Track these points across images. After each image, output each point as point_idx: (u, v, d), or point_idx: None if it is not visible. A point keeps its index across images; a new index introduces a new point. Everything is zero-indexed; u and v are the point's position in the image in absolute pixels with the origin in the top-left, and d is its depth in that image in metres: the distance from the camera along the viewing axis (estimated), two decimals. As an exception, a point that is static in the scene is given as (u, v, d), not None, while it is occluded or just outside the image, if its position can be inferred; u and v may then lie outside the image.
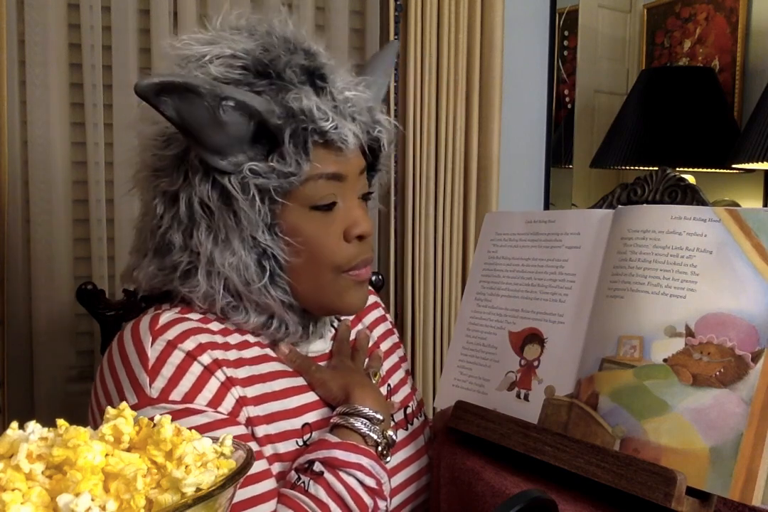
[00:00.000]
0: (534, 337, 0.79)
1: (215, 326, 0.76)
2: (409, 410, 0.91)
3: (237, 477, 0.45)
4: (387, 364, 0.92)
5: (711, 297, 0.65)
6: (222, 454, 0.48)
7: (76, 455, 0.42)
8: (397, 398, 0.91)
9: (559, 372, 0.74)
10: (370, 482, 0.72)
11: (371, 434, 0.75)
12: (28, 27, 1.35)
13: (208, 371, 0.71)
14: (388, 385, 0.91)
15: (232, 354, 0.75)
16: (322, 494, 0.71)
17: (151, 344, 0.70)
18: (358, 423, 0.75)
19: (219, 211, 0.72)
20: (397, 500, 0.84)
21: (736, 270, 0.64)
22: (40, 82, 1.35)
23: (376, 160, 0.82)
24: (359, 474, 0.71)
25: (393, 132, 0.82)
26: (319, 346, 0.86)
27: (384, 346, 0.95)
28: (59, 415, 0.48)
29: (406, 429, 0.89)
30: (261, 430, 0.74)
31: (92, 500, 0.41)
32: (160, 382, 0.69)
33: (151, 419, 0.47)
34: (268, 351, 0.80)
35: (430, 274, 1.64)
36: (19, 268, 1.39)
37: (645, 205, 0.75)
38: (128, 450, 0.46)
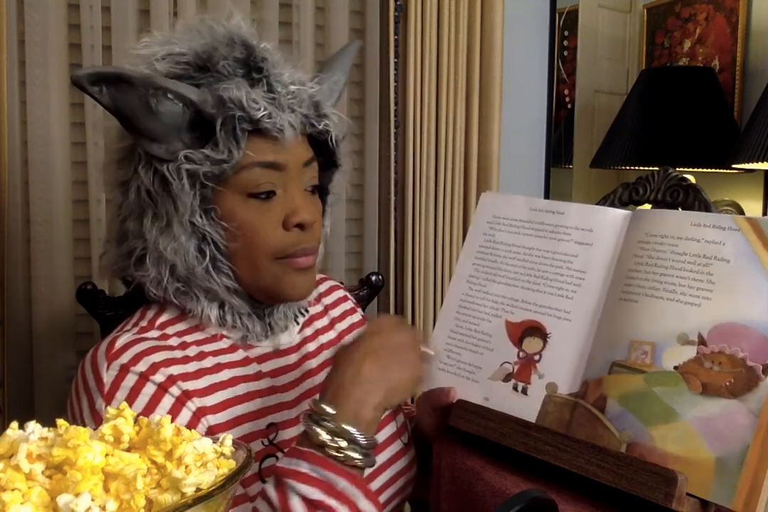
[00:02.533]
0: (535, 330, 0.78)
1: (174, 341, 0.78)
2: None
3: (237, 477, 0.45)
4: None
5: (725, 307, 0.65)
6: (222, 454, 0.48)
7: (76, 455, 0.42)
8: None
9: (563, 370, 0.74)
10: (305, 490, 0.63)
11: (337, 451, 0.66)
12: (28, 27, 1.35)
13: (162, 389, 0.72)
14: None
15: (191, 367, 0.76)
16: (263, 506, 0.66)
17: (107, 369, 0.73)
18: (322, 432, 0.66)
19: (160, 198, 0.75)
20: (384, 496, 0.85)
21: (752, 280, 0.64)
22: (40, 82, 1.35)
23: (333, 155, 0.84)
24: (290, 482, 0.64)
25: (343, 127, 0.84)
26: (285, 339, 0.87)
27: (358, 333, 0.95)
28: (59, 415, 0.48)
29: (395, 422, 0.89)
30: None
31: (92, 500, 0.40)
32: (114, 406, 0.70)
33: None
34: (229, 357, 0.80)
35: (430, 274, 1.64)
36: (19, 268, 1.39)
37: (665, 209, 0.75)
38: (128, 450, 0.46)
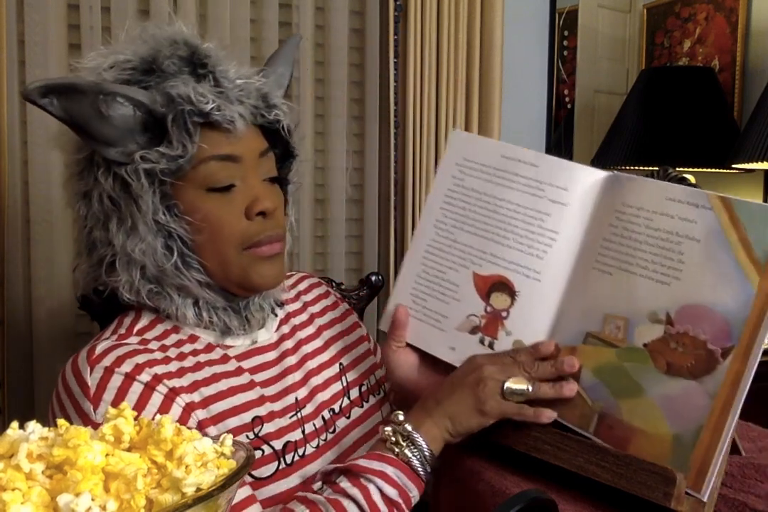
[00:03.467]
0: (503, 286, 0.77)
1: (154, 345, 0.79)
2: (364, 388, 0.92)
3: (237, 477, 0.45)
4: (342, 343, 0.94)
5: (693, 288, 0.65)
6: (222, 454, 0.48)
7: (76, 455, 0.42)
8: (351, 376, 0.92)
9: (532, 330, 0.74)
10: (391, 491, 0.71)
11: (416, 464, 0.74)
12: (28, 27, 1.36)
13: (149, 388, 0.73)
14: (340, 364, 0.92)
15: (173, 366, 0.77)
16: (337, 497, 0.71)
17: (90, 373, 0.73)
18: (407, 451, 0.74)
19: (123, 201, 0.76)
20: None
21: (720, 262, 0.64)
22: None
23: (287, 145, 0.86)
24: (379, 482, 0.71)
25: (294, 117, 0.85)
26: (264, 336, 0.87)
27: (341, 327, 0.97)
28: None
29: (361, 407, 0.90)
30: (210, 432, 0.75)
31: (92, 500, 0.40)
32: (103, 408, 0.71)
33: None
34: (208, 356, 0.81)
35: (430, 274, 1.64)
36: (19, 268, 1.39)
37: (641, 178, 0.72)
38: (128, 450, 0.46)
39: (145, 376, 0.73)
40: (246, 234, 0.78)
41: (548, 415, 0.70)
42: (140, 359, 0.74)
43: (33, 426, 0.45)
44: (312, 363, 0.89)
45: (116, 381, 0.72)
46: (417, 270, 0.83)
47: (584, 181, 0.75)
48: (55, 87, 0.72)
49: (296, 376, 0.86)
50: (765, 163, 1.65)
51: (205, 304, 0.80)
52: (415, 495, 0.73)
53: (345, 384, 0.90)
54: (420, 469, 0.73)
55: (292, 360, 0.88)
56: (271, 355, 0.86)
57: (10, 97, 1.33)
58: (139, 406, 0.72)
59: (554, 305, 0.74)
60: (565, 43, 2.06)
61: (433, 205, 0.83)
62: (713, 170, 1.88)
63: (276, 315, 0.90)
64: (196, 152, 0.75)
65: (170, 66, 0.77)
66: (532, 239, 0.76)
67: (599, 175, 0.74)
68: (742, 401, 0.61)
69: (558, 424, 0.71)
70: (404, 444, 0.73)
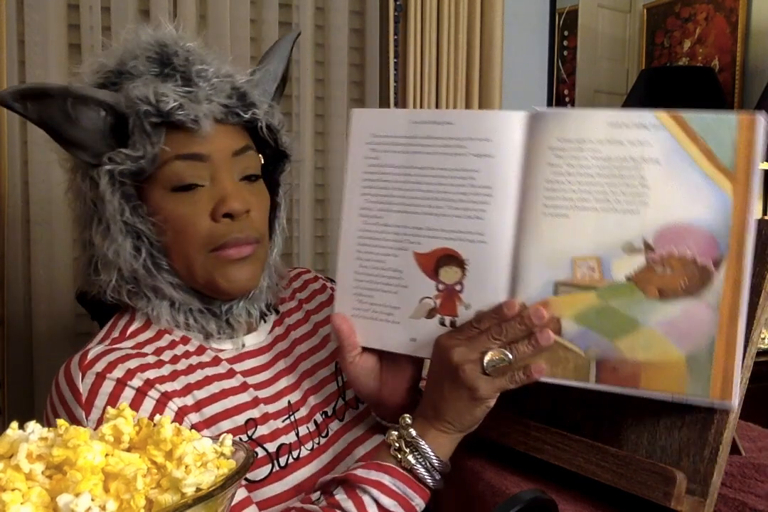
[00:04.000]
0: (449, 259, 0.71)
1: (149, 348, 0.79)
2: None
3: (237, 477, 0.45)
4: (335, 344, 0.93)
5: (665, 210, 0.63)
6: (222, 454, 0.48)
7: (76, 455, 0.42)
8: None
9: (491, 297, 0.69)
10: (388, 502, 0.68)
11: (422, 473, 0.71)
12: (28, 27, 1.36)
13: (141, 393, 0.73)
14: (336, 363, 0.90)
15: (166, 370, 0.77)
16: (332, 509, 0.69)
17: (82, 379, 0.73)
18: (411, 458, 0.70)
19: (98, 203, 0.77)
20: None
21: (687, 178, 0.62)
22: (40, 82, 1.35)
23: (276, 144, 0.84)
24: (375, 492, 0.69)
25: (279, 116, 0.84)
26: (252, 340, 0.86)
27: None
28: (59, 415, 0.48)
29: (356, 408, 0.89)
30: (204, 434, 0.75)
31: (92, 500, 0.40)
32: (95, 414, 0.71)
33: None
34: (199, 358, 0.81)
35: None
36: (19, 268, 1.39)
37: (569, 109, 0.70)
38: (128, 450, 0.46)
39: (136, 381, 0.73)
40: (211, 236, 0.77)
41: (538, 369, 0.66)
42: (132, 364, 0.74)
43: (33, 426, 0.45)
44: (306, 364, 0.88)
45: (108, 386, 0.72)
46: (353, 267, 0.76)
47: (505, 126, 0.69)
48: (27, 92, 0.74)
49: (290, 379, 0.85)
50: (765, 163, 1.65)
51: (180, 306, 0.80)
52: (418, 503, 0.70)
53: (341, 383, 0.89)
54: (426, 477, 0.70)
55: (286, 362, 0.87)
56: (264, 358, 0.86)
57: (10, 97, 1.33)
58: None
59: (509, 264, 0.69)
60: (565, 43, 2.06)
61: (353, 194, 0.76)
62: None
63: (265, 322, 0.89)
64: (159, 152, 0.75)
65: (137, 67, 0.77)
66: (466, 201, 0.70)
67: (519, 115, 0.69)
68: (747, 303, 0.60)
69: (558, 393, 0.71)
70: (407, 450, 0.70)
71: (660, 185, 0.63)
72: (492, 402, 0.69)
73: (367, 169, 0.75)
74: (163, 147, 0.75)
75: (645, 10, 2.27)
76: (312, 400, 0.85)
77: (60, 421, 0.46)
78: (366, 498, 0.68)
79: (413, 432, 0.70)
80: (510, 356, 0.66)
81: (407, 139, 0.73)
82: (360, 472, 0.70)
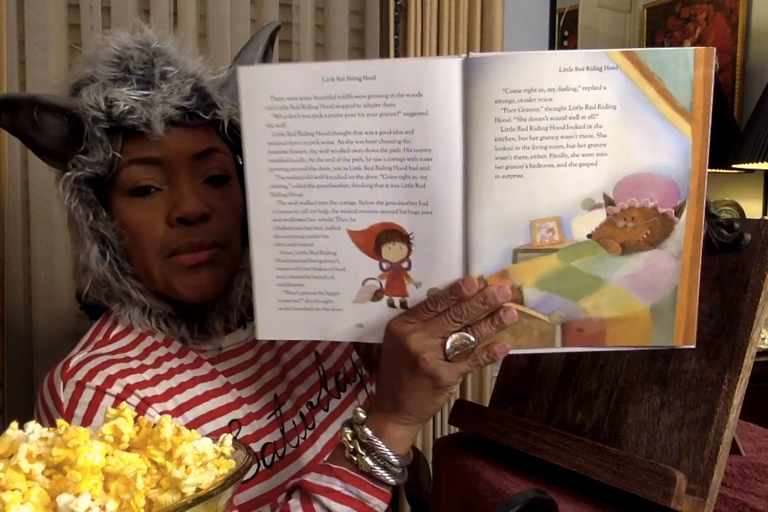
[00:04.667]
0: (391, 234, 0.64)
1: (133, 352, 0.79)
2: (341, 376, 0.91)
3: (237, 477, 0.45)
4: None
5: (624, 159, 0.59)
6: (222, 454, 0.48)
7: (76, 455, 0.42)
8: (328, 365, 0.90)
9: (443, 272, 0.64)
10: (339, 508, 0.66)
11: (381, 474, 0.67)
12: (28, 27, 1.36)
13: (119, 400, 0.73)
14: (316, 353, 0.90)
15: (148, 374, 0.77)
16: None
17: (63, 388, 0.73)
18: (369, 460, 0.66)
19: (71, 211, 0.77)
20: None
21: (645, 123, 0.59)
22: (40, 82, 1.35)
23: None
24: (324, 500, 0.66)
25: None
26: (229, 341, 0.84)
27: None
28: (59, 415, 0.48)
29: (339, 398, 0.89)
30: None
31: (92, 500, 0.40)
32: (75, 423, 0.71)
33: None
34: (181, 360, 0.81)
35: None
36: (19, 268, 1.39)
37: (515, 53, 0.60)
38: (128, 450, 0.46)
39: (116, 388, 0.73)
40: (165, 241, 0.75)
41: (502, 349, 0.63)
42: (113, 370, 0.74)
43: (33, 426, 0.45)
44: (287, 356, 0.88)
45: (87, 395, 0.72)
46: (273, 255, 0.67)
47: (437, 77, 0.60)
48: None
49: (275, 371, 0.86)
50: (765, 163, 1.65)
51: (151, 311, 0.79)
52: (377, 503, 0.67)
53: (322, 373, 0.89)
54: (386, 476, 0.66)
55: (269, 356, 0.87)
56: (248, 355, 0.85)
57: (10, 97, 1.33)
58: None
59: (459, 235, 0.62)
60: (565, 43, 2.06)
61: (258, 171, 0.65)
62: (713, 170, 1.88)
63: (245, 328, 0.87)
64: (114, 157, 0.74)
65: (98, 72, 0.76)
66: (402, 168, 0.62)
67: (453, 62, 0.60)
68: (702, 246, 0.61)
69: (559, 393, 0.71)
70: (364, 453, 0.66)
71: (617, 132, 0.59)
72: (454, 390, 0.65)
73: (272, 140, 0.64)
74: (115, 153, 0.74)
75: (645, 10, 2.27)
76: (297, 391, 0.86)
77: (60, 421, 0.47)
78: (317, 506, 0.66)
79: (368, 432, 0.66)
80: (473, 339, 0.62)
81: (320, 100, 0.63)
82: (311, 478, 0.67)
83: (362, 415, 0.68)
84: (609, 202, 0.61)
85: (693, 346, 0.63)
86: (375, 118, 0.62)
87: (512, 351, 0.64)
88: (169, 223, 0.75)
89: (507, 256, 0.62)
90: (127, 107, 0.73)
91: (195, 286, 0.77)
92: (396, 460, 0.66)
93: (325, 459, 0.70)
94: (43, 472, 0.42)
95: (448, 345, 0.62)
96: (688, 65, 0.58)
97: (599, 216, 0.61)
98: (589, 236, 0.61)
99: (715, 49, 0.59)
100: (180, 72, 0.77)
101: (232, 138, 0.79)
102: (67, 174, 0.76)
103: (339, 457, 0.68)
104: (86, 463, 0.42)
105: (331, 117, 0.63)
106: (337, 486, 0.66)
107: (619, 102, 0.59)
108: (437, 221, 0.63)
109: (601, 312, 0.63)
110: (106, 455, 0.44)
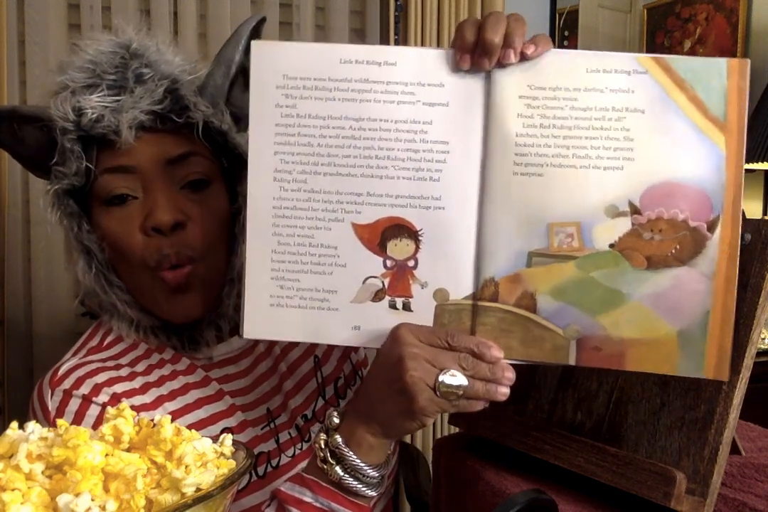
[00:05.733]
0: (399, 230, 0.61)
1: (125, 359, 0.78)
2: (340, 381, 0.88)
3: (237, 477, 0.45)
4: None
5: (653, 165, 0.57)
6: (222, 454, 0.48)
7: (76, 455, 0.42)
8: (327, 369, 0.87)
9: (452, 273, 0.60)
10: None
11: (353, 483, 0.63)
12: (28, 27, 1.36)
13: (105, 408, 0.72)
14: (315, 357, 0.87)
15: (137, 382, 0.76)
16: None
17: (51, 397, 0.73)
18: (338, 470, 0.63)
19: (60, 223, 0.76)
20: None
21: (676, 129, 0.56)
22: (40, 82, 1.36)
23: (227, 149, 0.77)
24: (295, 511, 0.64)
25: (226, 118, 0.75)
26: (221, 350, 0.82)
27: None
28: (59, 415, 0.48)
29: (337, 406, 0.86)
30: None
31: (92, 500, 0.40)
32: None
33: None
34: (174, 367, 0.80)
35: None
36: (19, 268, 1.39)
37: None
38: (128, 450, 0.46)
39: (102, 397, 0.73)
40: (144, 252, 0.73)
41: (479, 406, 0.60)
42: (101, 378, 0.74)
43: (33, 426, 0.45)
44: (284, 365, 0.85)
45: (74, 404, 0.72)
46: (269, 245, 0.62)
47: (462, 69, 0.59)
48: None
49: (271, 383, 0.83)
50: (765, 163, 1.65)
51: (139, 323, 0.78)
52: None
53: (320, 380, 0.86)
54: (359, 487, 0.63)
55: (266, 365, 0.84)
56: (244, 363, 0.83)
57: (10, 98, 1.33)
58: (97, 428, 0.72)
59: (473, 233, 0.59)
60: (565, 43, 2.06)
61: (261, 152, 0.62)
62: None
63: (240, 337, 0.86)
64: (87, 167, 0.72)
65: (69, 81, 0.74)
66: (417, 159, 0.60)
67: None
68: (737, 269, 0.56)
69: (559, 393, 0.71)
70: (333, 462, 0.63)
71: (646, 137, 0.57)
72: (429, 422, 0.61)
73: (280, 121, 0.61)
74: (87, 163, 0.72)
75: (645, 11, 2.26)
76: (292, 403, 0.83)
77: (60, 421, 0.47)
78: None
79: (339, 439, 0.63)
80: (467, 385, 0.59)
81: (335, 82, 0.60)
82: (285, 488, 0.65)
83: (336, 420, 0.64)
84: (635, 210, 0.57)
85: (726, 380, 0.57)
86: (392, 106, 0.59)
87: (522, 361, 0.61)
88: (145, 232, 0.73)
89: (521, 259, 0.59)
90: (95, 115, 0.71)
91: (180, 311, 0.75)
92: (369, 470, 0.63)
93: (301, 466, 0.68)
94: (43, 472, 0.42)
95: (440, 378, 0.58)
96: (720, 75, 0.57)
97: (623, 225, 0.58)
98: (611, 246, 0.58)
99: (749, 61, 0.57)
100: (155, 74, 0.74)
101: (211, 141, 0.75)
102: (48, 187, 0.75)
103: (312, 465, 0.65)
104: (86, 463, 0.42)
105: (345, 101, 0.60)
106: (307, 497, 0.64)
107: (648, 106, 0.57)
108: (450, 217, 0.60)
109: (621, 331, 0.58)
110: (106, 455, 0.44)
